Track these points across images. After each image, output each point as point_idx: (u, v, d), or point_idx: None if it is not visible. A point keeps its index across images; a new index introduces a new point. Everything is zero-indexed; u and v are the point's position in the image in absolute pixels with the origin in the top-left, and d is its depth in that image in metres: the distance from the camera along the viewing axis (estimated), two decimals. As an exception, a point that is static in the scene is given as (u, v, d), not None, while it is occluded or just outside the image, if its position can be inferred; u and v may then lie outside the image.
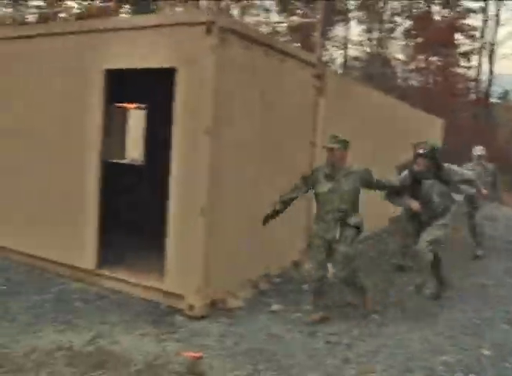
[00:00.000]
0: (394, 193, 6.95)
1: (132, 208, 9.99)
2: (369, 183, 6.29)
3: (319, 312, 6.27)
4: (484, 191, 9.68)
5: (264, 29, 22.96)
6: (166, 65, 6.15)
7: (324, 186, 6.11)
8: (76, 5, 34.33)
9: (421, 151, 6.71)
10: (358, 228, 6.16)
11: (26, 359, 4.84)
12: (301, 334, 5.82)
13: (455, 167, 7.15)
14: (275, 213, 6.29)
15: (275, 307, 6.56)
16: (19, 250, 7.68)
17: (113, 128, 7.96)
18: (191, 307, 6.06)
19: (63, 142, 7.17)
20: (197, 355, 5.10)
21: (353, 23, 43.19)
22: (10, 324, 5.63)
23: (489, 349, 5.71)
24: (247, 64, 6.40)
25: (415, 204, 6.82)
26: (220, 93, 5.94)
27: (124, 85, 7.17)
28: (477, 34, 38.74)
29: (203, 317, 6.08)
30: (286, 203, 6.30)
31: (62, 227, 7.22)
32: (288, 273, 8.02)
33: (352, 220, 6.11)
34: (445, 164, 7.01)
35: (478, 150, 10.45)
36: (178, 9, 15.87)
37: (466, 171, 7.19)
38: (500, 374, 5.14)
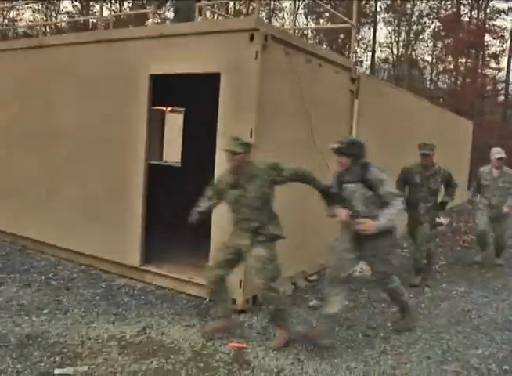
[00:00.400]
0: (330, 198, 5.72)
1: (173, 207, 10.31)
2: (280, 179, 5.44)
3: (218, 322, 5.68)
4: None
5: (291, 32, 23.18)
6: (210, 70, 6.44)
7: (230, 195, 5.38)
8: (106, 12, 35.10)
9: (335, 146, 5.36)
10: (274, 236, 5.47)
11: (82, 348, 5.16)
12: (339, 327, 6.08)
13: (383, 175, 5.45)
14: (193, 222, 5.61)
15: (313, 302, 6.83)
16: (67, 248, 8.05)
17: (152, 130, 8.27)
18: (233, 301, 6.33)
19: (112, 145, 7.48)
20: (241, 345, 5.39)
21: (380, 25, 43.31)
22: (64, 316, 5.96)
23: (523, 344, 5.91)
24: (288, 69, 6.67)
25: (341, 214, 5.47)
26: (263, 97, 6.22)
27: (160, 88, 7.45)
28: (507, 35, 38.49)
29: (244, 311, 6.36)
30: (201, 213, 5.66)
31: (109, 226, 7.55)
32: (324, 272, 8.26)
33: (267, 231, 5.41)
34: (374, 168, 5.49)
35: (496, 153, 9.39)
36: (207, 15, 16.15)
37: (391, 187, 5.39)
38: (533, 367, 5.33)
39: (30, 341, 5.21)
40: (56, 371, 4.62)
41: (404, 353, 5.43)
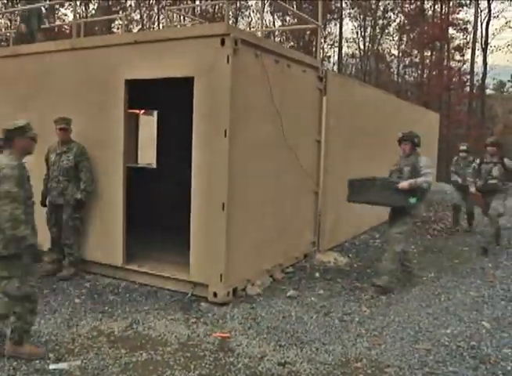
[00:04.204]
0: None
1: (152, 207, 10.54)
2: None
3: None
4: None
5: (257, 30, 23.45)
6: (184, 74, 6.70)
7: None
8: (71, 14, 34.93)
9: None
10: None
11: (73, 344, 5.39)
12: (317, 314, 6.41)
13: None
14: None
15: (291, 293, 7.13)
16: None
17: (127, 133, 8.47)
18: (215, 294, 6.62)
19: (92, 149, 7.64)
20: (225, 335, 5.67)
21: (346, 21, 43.77)
22: (53, 316, 6.17)
23: (489, 322, 6.30)
24: (258, 71, 6.96)
25: None
26: (235, 98, 6.49)
27: (134, 92, 7.66)
28: (470, 27, 39.22)
29: (225, 303, 6.64)
30: None
31: (90, 227, 7.76)
32: (299, 264, 8.59)
33: None
34: None
35: None
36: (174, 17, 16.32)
37: None
38: (498, 343, 5.70)
39: (23, 341, 5.43)
40: (51, 366, 4.86)
41: (378, 336, 5.78)
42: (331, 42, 42.76)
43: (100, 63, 7.50)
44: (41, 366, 4.87)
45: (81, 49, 7.73)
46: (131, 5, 38.10)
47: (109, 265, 7.60)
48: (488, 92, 42.26)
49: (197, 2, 34.25)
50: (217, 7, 37.51)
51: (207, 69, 6.49)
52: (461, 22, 39.34)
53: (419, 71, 42.69)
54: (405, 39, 42.99)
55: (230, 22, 38.50)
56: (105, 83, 7.45)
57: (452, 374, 4.92)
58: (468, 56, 39.38)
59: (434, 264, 9.06)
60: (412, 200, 7.09)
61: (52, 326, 5.86)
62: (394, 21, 42.34)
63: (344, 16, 41.66)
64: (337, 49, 42.44)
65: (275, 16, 41.41)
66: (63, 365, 4.90)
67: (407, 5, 40.78)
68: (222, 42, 6.34)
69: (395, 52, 44.16)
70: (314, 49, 37.19)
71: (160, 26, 37.94)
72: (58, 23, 34.99)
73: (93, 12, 34.73)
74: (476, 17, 38.31)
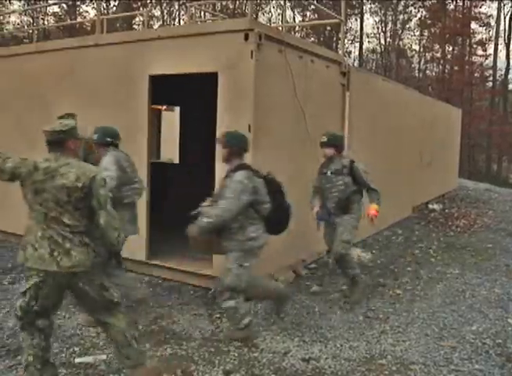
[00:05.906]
0: None
1: (174, 203, 10.55)
2: None
3: None
4: None
5: (279, 26, 23.44)
6: (208, 70, 6.71)
7: None
8: (92, 11, 35.19)
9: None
10: None
11: (98, 339, 5.42)
12: (341, 310, 6.39)
13: None
14: None
15: (314, 288, 7.13)
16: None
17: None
18: (238, 289, 6.61)
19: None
20: (249, 330, 5.67)
21: (367, 16, 43.62)
22: (77, 310, 6.21)
23: (514, 319, 6.25)
24: (282, 66, 6.95)
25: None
26: (259, 93, 6.50)
27: (156, 87, 7.68)
28: (492, 22, 38.81)
29: (249, 299, 6.63)
30: None
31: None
32: (322, 259, 8.56)
33: None
34: None
35: None
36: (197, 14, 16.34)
37: None
38: (525, 340, 5.66)
39: (49, 335, 5.48)
40: (77, 360, 4.90)
41: (402, 333, 5.76)
42: (352, 38, 42.66)
43: (124, 58, 7.53)
44: (67, 360, 4.91)
45: (104, 45, 7.76)
46: (151, 2, 38.18)
47: (133, 259, 7.63)
48: (510, 87, 41.79)
49: (218, -2, 34.28)
50: (237, 3, 37.56)
51: (230, 64, 6.50)
52: (483, 16, 39.01)
53: (440, 66, 42.39)
54: (426, 34, 42.72)
55: (250, 17, 38.53)
56: (129, 79, 7.47)
57: (478, 371, 4.88)
58: (490, 50, 39.05)
59: (457, 260, 8.99)
60: None
61: (77, 320, 5.91)
62: (415, 16, 42.14)
63: (364, 11, 41.53)
64: (357, 45, 42.37)
65: (295, 12, 41.41)
66: (88, 359, 4.94)
67: (428, 0, 40.51)
68: (246, 37, 6.34)
69: (416, 47, 43.96)
70: (335, 45, 37.17)
71: (181, 22, 38.09)
72: (79, 19, 35.37)
73: (114, 9, 34.85)
74: (499, 11, 37.94)
